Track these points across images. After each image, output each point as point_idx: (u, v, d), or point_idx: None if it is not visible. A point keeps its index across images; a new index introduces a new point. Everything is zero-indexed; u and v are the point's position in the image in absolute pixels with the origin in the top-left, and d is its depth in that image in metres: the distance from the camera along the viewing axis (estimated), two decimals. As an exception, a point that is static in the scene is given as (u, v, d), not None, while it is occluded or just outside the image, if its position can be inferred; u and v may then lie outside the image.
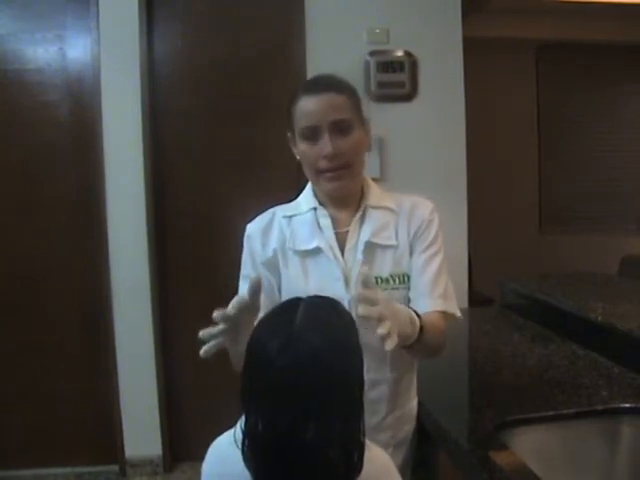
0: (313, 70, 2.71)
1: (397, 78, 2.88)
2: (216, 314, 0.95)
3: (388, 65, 2.87)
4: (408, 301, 1.26)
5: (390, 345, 0.93)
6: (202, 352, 0.96)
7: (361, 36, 2.88)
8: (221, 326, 0.95)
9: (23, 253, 2.90)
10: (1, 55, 2.84)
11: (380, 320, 0.93)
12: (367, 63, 2.88)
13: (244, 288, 1.27)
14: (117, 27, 2.77)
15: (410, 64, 2.90)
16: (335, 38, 2.86)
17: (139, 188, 2.81)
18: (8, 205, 2.89)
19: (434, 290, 1.26)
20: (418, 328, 1.11)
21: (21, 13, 2.85)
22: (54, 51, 2.85)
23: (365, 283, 0.99)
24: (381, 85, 2.88)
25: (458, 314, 1.29)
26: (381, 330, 0.92)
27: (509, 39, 4.35)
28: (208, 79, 2.93)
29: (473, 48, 3.08)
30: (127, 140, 2.79)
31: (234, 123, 2.93)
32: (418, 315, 1.13)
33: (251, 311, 0.99)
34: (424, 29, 2.91)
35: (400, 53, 2.90)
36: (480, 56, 3.79)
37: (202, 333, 0.96)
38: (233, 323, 0.96)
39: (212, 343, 0.96)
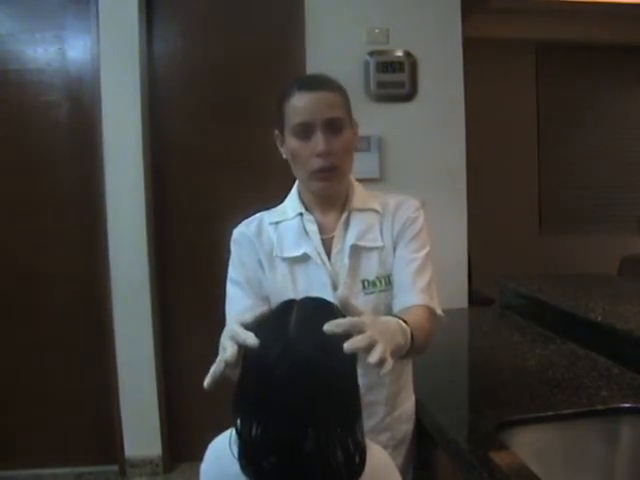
0: (313, 70, 2.71)
1: (397, 78, 2.88)
2: (212, 376, 0.87)
3: (388, 65, 2.87)
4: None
5: (386, 369, 0.85)
6: (205, 384, 0.88)
7: (361, 36, 2.87)
8: (220, 373, 0.88)
9: (23, 253, 2.90)
10: (1, 55, 2.84)
11: (370, 347, 0.84)
12: (367, 63, 2.88)
13: (232, 292, 1.27)
14: (117, 27, 2.77)
15: (410, 64, 2.90)
16: (335, 38, 2.86)
17: (139, 188, 2.81)
18: (8, 205, 2.89)
19: (416, 283, 1.24)
20: (410, 336, 1.06)
21: (21, 13, 2.85)
22: (54, 51, 2.85)
23: (345, 308, 0.92)
24: (381, 85, 2.88)
25: (439, 312, 1.26)
26: (372, 359, 0.83)
27: (509, 39, 4.35)
28: (208, 79, 2.93)
29: (473, 48, 3.08)
30: (127, 140, 2.79)
31: (234, 122, 2.93)
32: (406, 322, 1.07)
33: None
34: (424, 29, 2.91)
35: (400, 53, 2.90)
36: (480, 56, 3.80)
37: (207, 385, 0.88)
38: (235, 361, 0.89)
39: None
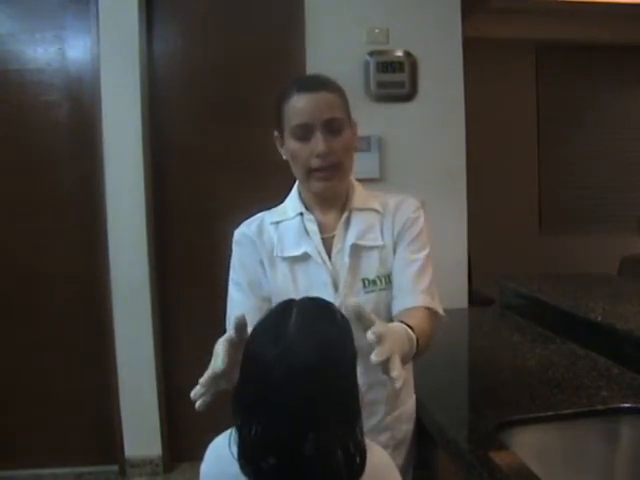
0: (313, 70, 2.71)
1: (397, 78, 2.88)
2: (200, 384, 0.91)
3: (388, 65, 2.87)
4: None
5: (400, 381, 0.88)
6: (197, 407, 0.91)
7: (361, 36, 2.87)
8: (209, 379, 0.91)
9: (23, 253, 2.90)
10: (1, 55, 2.84)
11: (390, 358, 0.88)
12: (367, 63, 2.88)
13: (234, 293, 1.28)
14: (117, 27, 2.77)
15: (410, 64, 2.90)
16: (335, 38, 2.86)
17: (139, 188, 2.81)
18: (8, 205, 2.89)
19: (418, 285, 1.24)
20: (415, 343, 1.07)
21: (21, 13, 2.85)
22: (54, 51, 2.85)
23: (358, 316, 0.93)
24: (381, 85, 2.88)
25: (441, 312, 1.27)
26: (395, 373, 0.87)
27: (509, 39, 4.35)
28: (208, 79, 2.93)
29: (473, 48, 3.08)
30: (127, 140, 2.79)
31: (234, 122, 2.93)
32: (412, 328, 1.08)
33: (239, 348, 0.92)
34: (424, 29, 2.91)
35: (400, 53, 2.90)
36: (480, 56, 3.80)
37: (193, 394, 0.91)
38: (222, 372, 0.92)
39: (205, 397, 0.91)
